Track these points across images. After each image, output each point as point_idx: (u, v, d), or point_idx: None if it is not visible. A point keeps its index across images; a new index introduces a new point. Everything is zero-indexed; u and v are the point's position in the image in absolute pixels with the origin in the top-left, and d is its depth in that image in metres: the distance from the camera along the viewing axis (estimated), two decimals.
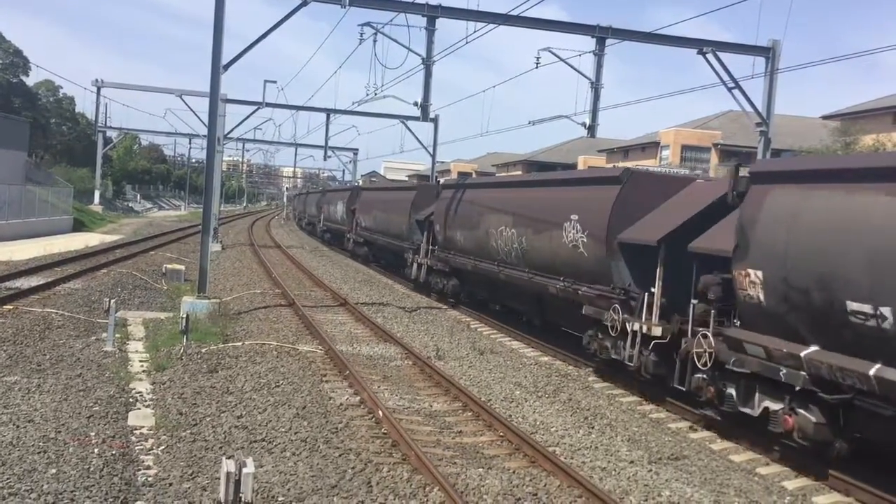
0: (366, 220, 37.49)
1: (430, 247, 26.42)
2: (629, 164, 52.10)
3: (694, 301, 12.41)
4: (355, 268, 36.61)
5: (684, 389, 12.68)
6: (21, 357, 13.87)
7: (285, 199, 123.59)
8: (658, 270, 13.62)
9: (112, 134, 76.87)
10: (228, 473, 7.07)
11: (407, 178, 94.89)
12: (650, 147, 55.80)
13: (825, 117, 40.11)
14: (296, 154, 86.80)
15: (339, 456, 9.93)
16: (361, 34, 23.60)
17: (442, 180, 38.68)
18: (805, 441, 10.24)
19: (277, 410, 11.69)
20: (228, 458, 8.03)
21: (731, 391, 11.47)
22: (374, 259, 37.81)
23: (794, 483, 10.52)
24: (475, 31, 22.00)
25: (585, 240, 15.50)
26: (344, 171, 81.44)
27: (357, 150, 72.18)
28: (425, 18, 21.82)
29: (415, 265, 27.69)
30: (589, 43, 23.12)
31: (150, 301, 22.10)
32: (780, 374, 10.36)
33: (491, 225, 20.41)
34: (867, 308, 9.01)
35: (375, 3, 21.71)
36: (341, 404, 12.42)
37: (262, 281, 27.93)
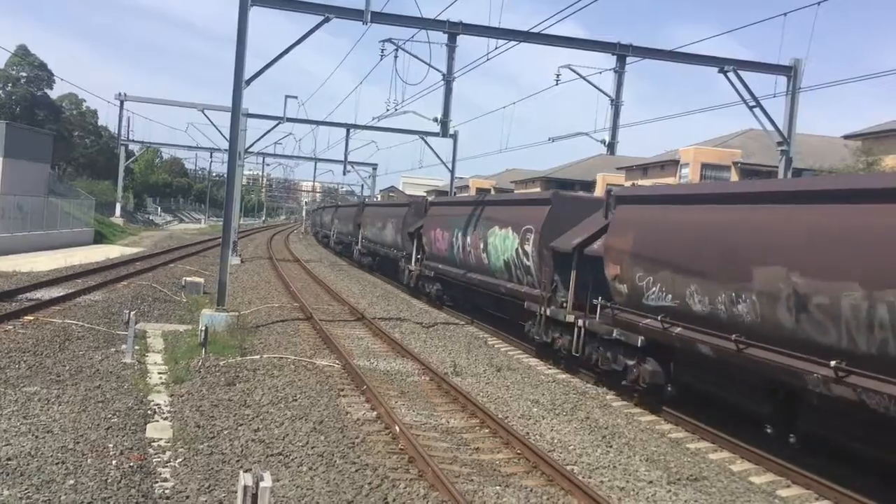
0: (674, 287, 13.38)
1: None
2: (648, 182, 51.97)
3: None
4: (372, 282, 36.63)
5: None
6: (41, 368, 13.96)
7: (304, 214, 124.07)
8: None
9: (134, 147, 77.77)
10: (246, 487, 7.03)
11: (425, 194, 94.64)
12: (670, 165, 55.61)
13: (847, 136, 39.82)
14: (315, 168, 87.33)
15: (356, 471, 9.90)
16: (382, 50, 23.69)
17: None
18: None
19: (294, 424, 11.68)
20: (246, 471, 8.02)
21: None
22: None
23: None
24: (496, 48, 22.08)
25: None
26: (363, 185, 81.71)
27: (376, 165, 72.80)
28: (446, 35, 21.87)
29: None
30: (609, 60, 23.12)
31: (170, 313, 22.21)
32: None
33: None
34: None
35: (397, 19, 21.80)
36: (358, 419, 12.40)
37: (281, 294, 28.01)
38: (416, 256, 30.51)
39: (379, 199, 75.16)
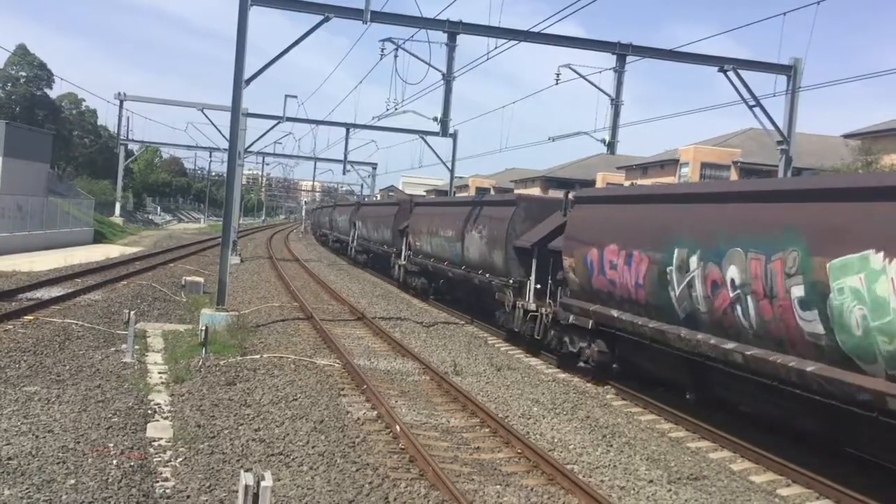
0: None
1: None
2: (648, 181, 51.97)
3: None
4: (372, 282, 36.62)
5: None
6: (41, 367, 13.96)
7: (303, 213, 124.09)
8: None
9: (133, 147, 77.73)
10: (246, 486, 7.03)
11: (425, 193, 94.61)
12: (669, 164, 55.65)
13: (846, 136, 39.84)
14: (315, 168, 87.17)
15: (357, 471, 9.90)
16: (382, 49, 23.69)
17: None
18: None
19: (295, 424, 11.69)
20: (247, 471, 8.02)
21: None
22: None
23: None
24: (496, 48, 22.07)
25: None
26: (362, 185, 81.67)
27: (376, 164, 72.60)
28: (446, 34, 21.86)
29: None
30: (609, 60, 23.09)
31: (170, 313, 22.20)
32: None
33: None
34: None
35: (396, 19, 21.79)
36: (359, 419, 12.41)
37: (281, 294, 28.00)
38: (534, 286, 19.40)
39: (379, 197, 74.09)
